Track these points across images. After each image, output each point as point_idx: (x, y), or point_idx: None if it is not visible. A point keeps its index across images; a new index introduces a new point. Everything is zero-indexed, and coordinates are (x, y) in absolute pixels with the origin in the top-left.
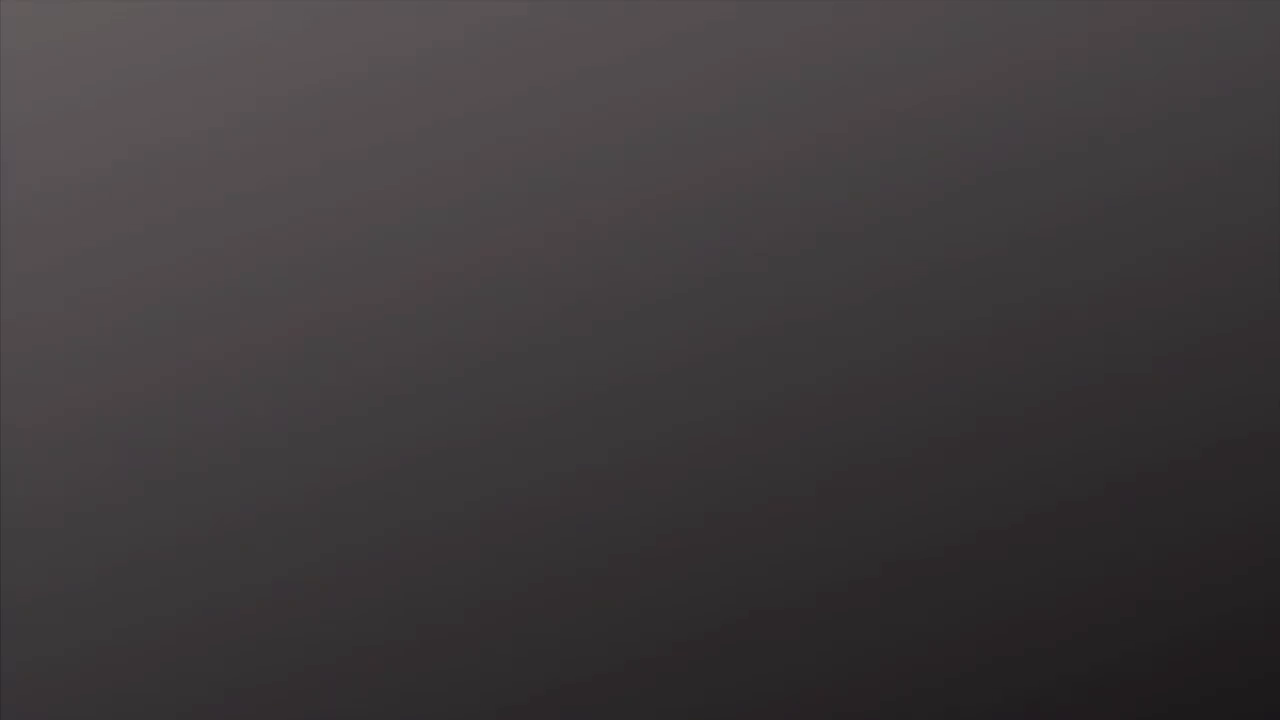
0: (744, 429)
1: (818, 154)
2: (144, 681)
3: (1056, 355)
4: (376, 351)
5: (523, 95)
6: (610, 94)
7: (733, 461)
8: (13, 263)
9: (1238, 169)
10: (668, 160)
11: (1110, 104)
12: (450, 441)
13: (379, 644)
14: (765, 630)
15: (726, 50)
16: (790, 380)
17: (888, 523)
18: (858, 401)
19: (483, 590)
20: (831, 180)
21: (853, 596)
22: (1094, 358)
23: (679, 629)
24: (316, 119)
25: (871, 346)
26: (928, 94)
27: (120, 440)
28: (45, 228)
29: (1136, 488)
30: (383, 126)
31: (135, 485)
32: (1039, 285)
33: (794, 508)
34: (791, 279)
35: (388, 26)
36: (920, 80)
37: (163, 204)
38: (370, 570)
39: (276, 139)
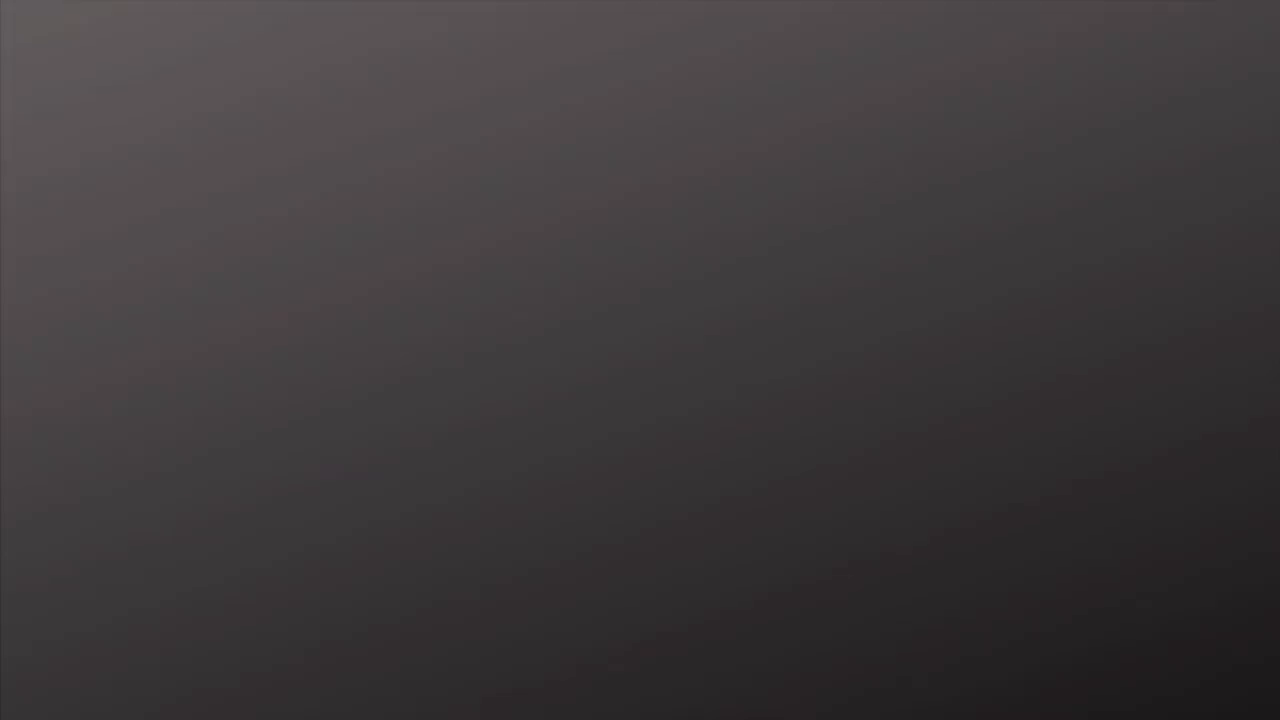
0: (725, 423)
1: (808, 146)
2: (136, 673)
3: (1050, 345)
4: (367, 345)
5: (511, 91)
6: (601, 88)
7: (716, 455)
8: (6, 257)
9: (1237, 158)
10: (657, 154)
11: (1100, 95)
12: (435, 435)
13: (369, 635)
14: (744, 624)
15: (719, 43)
16: (778, 372)
17: (875, 515)
18: (848, 391)
19: (468, 583)
20: (821, 173)
21: (835, 590)
22: (1085, 350)
23: (661, 623)
24: (306, 114)
25: (865, 336)
26: (915, 87)
27: (110, 434)
28: (35, 223)
29: (1124, 479)
30: (370, 122)
31: (125, 478)
32: (1030, 277)
33: (781, 500)
34: (780, 272)
35: (378, 22)
36: (911, 73)
37: (151, 199)
38: (361, 563)
39: (268, 134)
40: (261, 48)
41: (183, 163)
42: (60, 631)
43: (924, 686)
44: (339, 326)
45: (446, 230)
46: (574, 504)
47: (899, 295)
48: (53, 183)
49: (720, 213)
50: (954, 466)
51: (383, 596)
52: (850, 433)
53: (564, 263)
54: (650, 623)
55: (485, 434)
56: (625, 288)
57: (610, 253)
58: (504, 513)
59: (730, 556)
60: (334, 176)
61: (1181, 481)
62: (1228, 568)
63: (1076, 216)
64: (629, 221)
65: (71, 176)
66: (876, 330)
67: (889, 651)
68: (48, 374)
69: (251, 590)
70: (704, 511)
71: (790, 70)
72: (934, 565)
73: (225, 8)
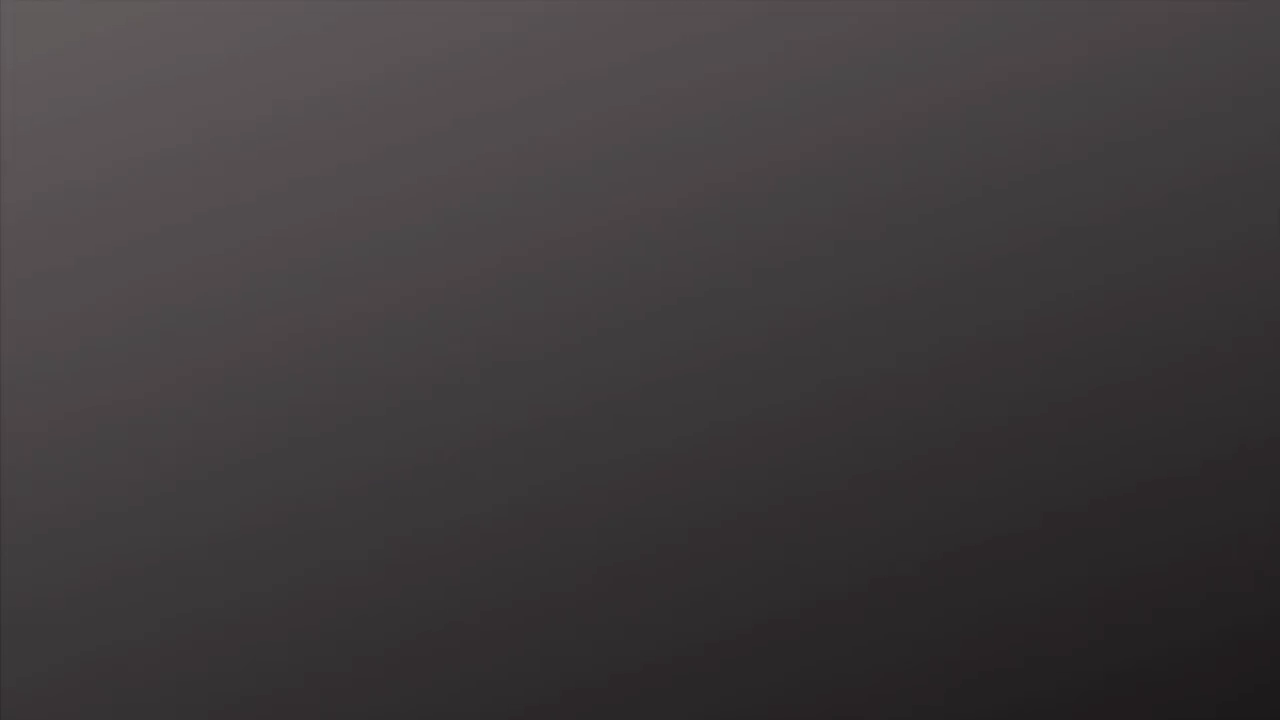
0: (744, 438)
1: (825, 159)
2: (146, 688)
3: (1066, 361)
4: (384, 357)
5: (528, 100)
6: (621, 99)
7: (735, 469)
8: (16, 266)
9: (1242, 176)
10: (676, 165)
11: (1111, 111)
12: (457, 446)
13: (385, 650)
14: (766, 639)
15: (737, 54)
16: (798, 386)
17: (895, 530)
18: (867, 406)
19: (487, 597)
20: (839, 187)
21: (853, 605)
22: (1095, 366)
23: (682, 636)
24: (319, 125)
25: (882, 353)
26: (930, 102)
27: (125, 445)
28: (50, 231)
29: (1139, 496)
30: (386, 132)
31: (140, 490)
32: (1047, 292)
33: (800, 515)
34: (797, 286)
35: (393, 30)
36: (924, 87)
37: (170, 208)
38: (376, 576)
39: (282, 144)
40: (274, 56)
41: (192, 172)
42: (72, 650)
43: (943, 702)
44: (358, 340)
45: (467, 242)
46: (583, 519)
47: (916, 311)
48: (61, 193)
49: (740, 226)
50: (975, 482)
51: (401, 613)
52: (867, 448)
53: (575, 275)
54: (671, 638)
55: (501, 446)
56: (640, 301)
57: (625, 265)
58: (523, 527)
59: (750, 570)
60: (347, 187)
61: (1208, 498)
62: (1241, 586)
63: (1100, 230)
64: (644, 234)
65: (76, 185)
66: (899, 345)
67: (906, 667)
68: (57, 384)
69: (261, 609)
70: (724, 525)
71: (812, 80)
72: (950, 582)
73: (238, 11)
